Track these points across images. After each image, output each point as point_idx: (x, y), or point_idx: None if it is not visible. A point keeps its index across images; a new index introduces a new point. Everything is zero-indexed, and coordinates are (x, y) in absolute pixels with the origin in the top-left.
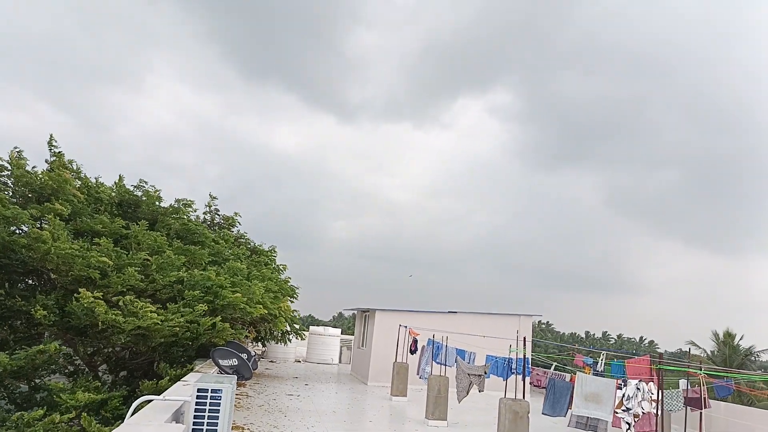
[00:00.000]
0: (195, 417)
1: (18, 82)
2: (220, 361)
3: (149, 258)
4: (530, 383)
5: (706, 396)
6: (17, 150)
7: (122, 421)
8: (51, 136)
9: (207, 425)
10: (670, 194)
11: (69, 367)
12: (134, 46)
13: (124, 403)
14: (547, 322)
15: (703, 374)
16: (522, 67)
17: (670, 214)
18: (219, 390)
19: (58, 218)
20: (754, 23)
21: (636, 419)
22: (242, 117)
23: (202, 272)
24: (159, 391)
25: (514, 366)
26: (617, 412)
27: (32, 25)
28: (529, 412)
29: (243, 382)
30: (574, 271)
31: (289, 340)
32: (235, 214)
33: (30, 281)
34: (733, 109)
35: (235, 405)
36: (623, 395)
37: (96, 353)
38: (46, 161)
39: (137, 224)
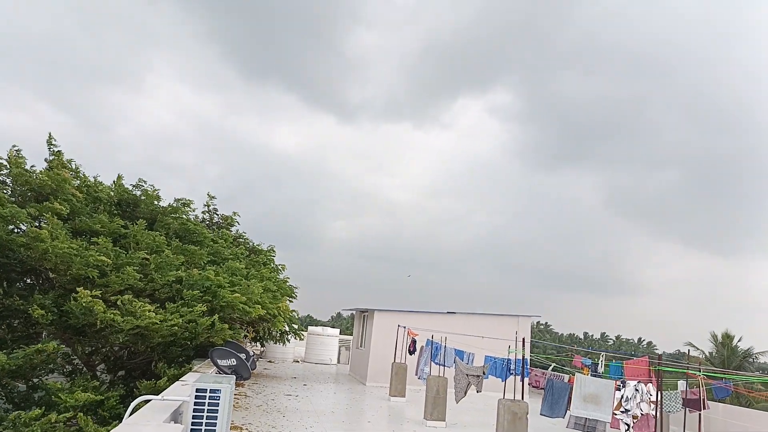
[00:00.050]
0: (193, 417)
1: (18, 82)
2: (219, 361)
3: (148, 257)
4: (529, 384)
5: (705, 397)
6: (16, 149)
7: (120, 421)
8: (50, 134)
9: (205, 425)
10: (670, 195)
11: (67, 366)
12: (134, 46)
13: (122, 402)
14: (546, 323)
15: (702, 376)
16: (522, 67)
17: (669, 215)
18: (217, 390)
19: (56, 217)
20: (754, 23)
21: (635, 420)
22: (242, 117)
23: (200, 272)
24: (157, 391)
25: (512, 367)
26: (616, 414)
27: (32, 25)
28: (527, 413)
29: (241, 382)
30: (573, 271)
31: (288, 341)
32: (234, 213)
33: (28, 280)
34: (733, 110)
35: (233, 405)
36: (622, 396)
37: (94, 353)
38: (46, 160)
39: (136, 224)
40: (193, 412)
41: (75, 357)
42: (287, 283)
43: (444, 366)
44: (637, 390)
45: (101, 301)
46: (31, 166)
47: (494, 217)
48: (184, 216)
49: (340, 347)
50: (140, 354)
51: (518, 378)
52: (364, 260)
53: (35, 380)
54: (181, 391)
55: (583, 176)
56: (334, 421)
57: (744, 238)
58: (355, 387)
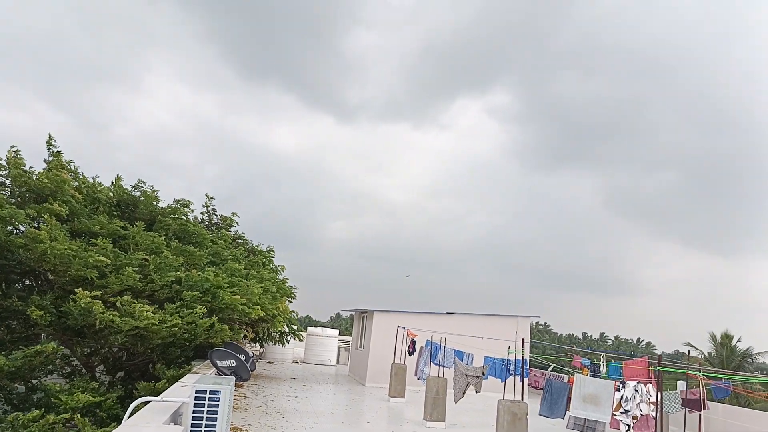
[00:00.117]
0: (193, 418)
1: (18, 82)
2: (218, 362)
3: (147, 258)
4: (528, 384)
5: (705, 398)
6: (15, 150)
7: (119, 423)
8: (50, 135)
9: (205, 427)
10: (669, 195)
11: (66, 367)
12: (134, 46)
13: (121, 404)
14: (545, 323)
15: (702, 376)
16: (521, 68)
17: (668, 215)
18: (217, 391)
19: (55, 219)
20: (753, 23)
21: (634, 421)
22: (241, 117)
23: (200, 273)
24: (156, 392)
25: (512, 367)
26: (615, 415)
27: (32, 25)
28: (527, 414)
29: (241, 383)
30: (573, 271)
31: (287, 341)
32: (233, 214)
33: (27, 282)
34: (732, 110)
35: (233, 406)
36: (621, 397)
37: (93, 354)
38: (45, 161)
39: (135, 225)
40: (193, 413)
41: (74, 358)
42: (286, 284)
43: (443, 367)
44: (636, 390)
45: (100, 302)
46: (30, 167)
47: (493, 217)
48: (183, 217)
49: (339, 348)
50: (139, 355)
51: (518, 378)
52: (364, 260)
53: (34, 381)
54: (180, 393)
55: (583, 176)
56: (334, 422)
57: (743, 238)
58: (354, 388)
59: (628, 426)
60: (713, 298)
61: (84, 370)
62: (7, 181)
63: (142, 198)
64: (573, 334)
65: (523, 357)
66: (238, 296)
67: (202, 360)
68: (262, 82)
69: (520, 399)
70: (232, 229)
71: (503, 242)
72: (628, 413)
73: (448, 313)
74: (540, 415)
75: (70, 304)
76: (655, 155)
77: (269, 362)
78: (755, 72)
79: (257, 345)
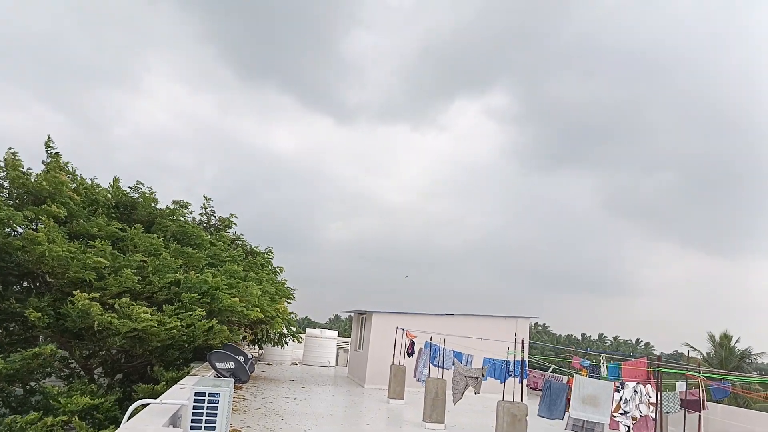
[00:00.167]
0: (192, 421)
1: (17, 82)
2: (217, 365)
3: (146, 260)
4: (527, 386)
5: (705, 398)
6: (12, 151)
7: (117, 425)
8: (48, 137)
9: (204, 429)
10: (668, 195)
11: (65, 370)
12: (133, 46)
13: (120, 406)
14: (544, 324)
15: (701, 377)
16: (520, 69)
17: (667, 216)
18: (216, 394)
19: (53, 220)
20: (751, 25)
21: (634, 422)
22: (240, 118)
23: (198, 275)
24: (155, 395)
25: (511, 369)
26: (615, 416)
27: (31, 26)
28: (527, 415)
29: (240, 385)
30: (571, 272)
31: (286, 343)
32: (231, 215)
33: (25, 284)
34: (730, 111)
35: (232, 408)
36: (621, 398)
37: (92, 356)
38: (43, 162)
39: (133, 227)
40: (192, 415)
41: (72, 360)
42: (285, 285)
43: (443, 368)
44: (636, 391)
45: (98, 303)
46: (28, 169)
47: (492, 218)
48: (181, 218)
49: (338, 349)
50: (138, 357)
51: (517, 380)
52: (363, 262)
53: (32, 384)
54: (179, 395)
55: (582, 177)
56: (333, 424)
57: (742, 238)
58: (353, 389)
59: (628, 427)
60: (712, 298)
61: (82, 372)
62: (5, 183)
63: (141, 199)
64: (572, 335)
65: (522, 358)
66: (237, 299)
67: (200, 362)
68: (261, 82)
69: (519, 400)
70: (231, 230)
71: (502, 243)
72: (628, 414)
73: (447, 314)
74: (539, 416)
75: (68, 306)
76: (653, 156)
77: (268, 364)
78: (752, 74)
79: (256, 347)
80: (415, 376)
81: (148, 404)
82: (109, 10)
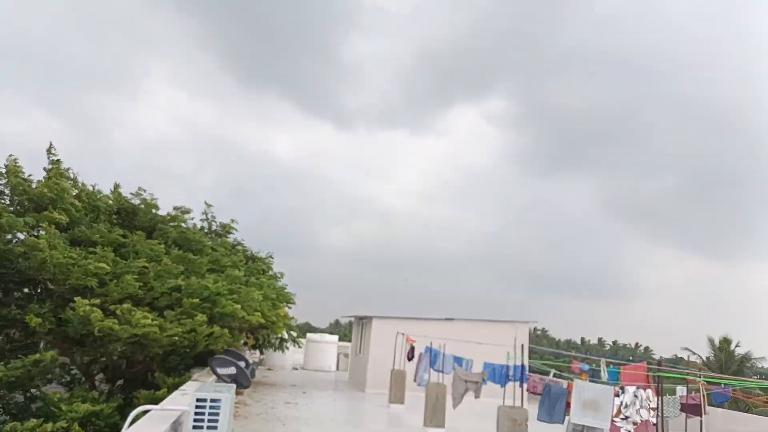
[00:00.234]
0: (194, 427)
1: (16, 88)
2: (218, 370)
3: (147, 266)
4: (527, 390)
5: (705, 403)
6: (13, 158)
7: None
8: (51, 144)
9: None
10: (667, 199)
11: (66, 376)
12: (132, 51)
13: (120, 412)
14: (543, 328)
15: (702, 381)
16: (517, 74)
17: (666, 219)
18: (218, 399)
19: (54, 227)
20: (747, 28)
21: (635, 427)
22: (239, 123)
23: (199, 281)
24: (156, 401)
25: (511, 373)
26: (615, 421)
27: (30, 31)
28: (527, 420)
29: (241, 390)
30: (570, 276)
31: (287, 348)
32: (232, 221)
33: (27, 290)
34: (729, 113)
35: (233, 414)
36: (621, 403)
37: (93, 362)
38: (45, 169)
39: (135, 233)
40: (194, 421)
41: (73, 367)
42: (285, 290)
43: (443, 373)
44: (636, 396)
45: (99, 309)
46: (29, 175)
47: (491, 221)
48: (182, 224)
49: (338, 354)
50: (139, 363)
51: (517, 384)
52: (362, 266)
53: (33, 391)
54: (180, 401)
55: (580, 182)
56: (334, 429)
57: (741, 241)
58: (354, 394)
59: None
60: (711, 301)
61: (83, 378)
62: (6, 190)
63: (142, 206)
64: (571, 339)
65: (522, 363)
66: (239, 305)
67: (202, 368)
68: (260, 88)
69: (520, 405)
70: (231, 235)
71: (501, 246)
72: (629, 419)
73: (447, 318)
74: (538, 420)
75: (69, 312)
76: (653, 158)
77: (269, 369)
78: (749, 77)
79: (257, 352)
80: (415, 381)
81: (149, 410)
82: (109, 15)
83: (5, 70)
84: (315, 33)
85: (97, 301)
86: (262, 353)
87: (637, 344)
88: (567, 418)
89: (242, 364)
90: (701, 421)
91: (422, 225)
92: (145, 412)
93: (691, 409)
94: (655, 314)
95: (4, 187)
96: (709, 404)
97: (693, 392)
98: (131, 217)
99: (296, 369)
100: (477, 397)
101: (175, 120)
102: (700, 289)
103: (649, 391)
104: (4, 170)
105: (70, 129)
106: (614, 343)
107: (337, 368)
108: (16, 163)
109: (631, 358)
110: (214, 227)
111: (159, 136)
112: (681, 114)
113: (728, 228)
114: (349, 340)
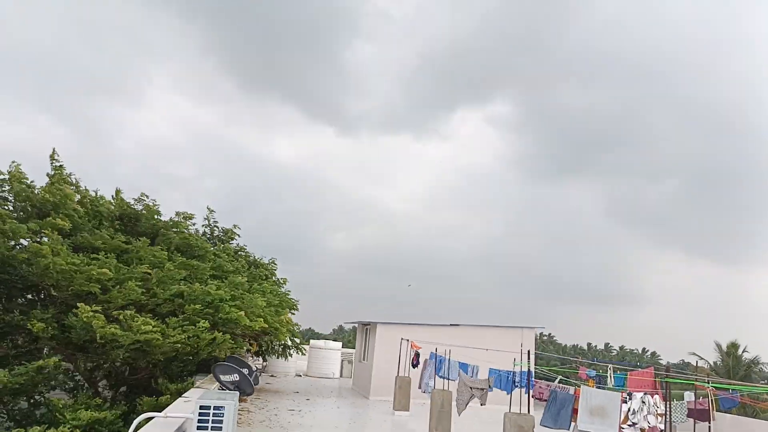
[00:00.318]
0: None
1: (17, 94)
2: (221, 377)
3: (149, 272)
4: (533, 396)
5: (714, 408)
6: (16, 164)
7: None
8: (54, 150)
9: None
10: (672, 203)
11: (69, 383)
12: (133, 57)
13: (123, 419)
14: (549, 334)
15: (710, 387)
16: (520, 78)
17: (672, 224)
18: (221, 407)
19: (57, 233)
20: (751, 32)
21: None
22: (241, 128)
23: (202, 286)
24: (159, 408)
25: (517, 379)
26: (623, 428)
27: (32, 37)
28: (534, 427)
29: (244, 397)
30: (576, 282)
31: (290, 355)
32: (234, 226)
33: (30, 296)
34: (733, 116)
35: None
36: (629, 409)
37: (96, 368)
38: (48, 175)
39: (138, 239)
40: (197, 429)
41: (77, 373)
42: (288, 296)
43: (448, 379)
44: (643, 402)
45: (102, 316)
46: (31, 181)
47: (496, 227)
48: (185, 230)
49: (342, 361)
50: (142, 370)
51: (523, 390)
52: (365, 272)
53: (37, 397)
54: (184, 408)
55: (584, 186)
56: None
57: (748, 245)
58: (358, 401)
59: None
60: (718, 306)
61: (87, 385)
62: (9, 196)
63: (144, 211)
64: (577, 345)
65: (529, 369)
66: (242, 312)
67: (204, 374)
68: (262, 93)
69: (526, 411)
70: (234, 241)
71: (506, 252)
72: (636, 426)
73: (452, 324)
74: (542, 425)
75: (71, 318)
76: (657, 163)
77: (272, 376)
78: (753, 80)
79: (260, 359)
80: (420, 388)
81: (152, 417)
82: (109, 20)
83: (8, 77)
84: (317, 37)
85: (100, 307)
86: (265, 360)
87: (644, 349)
88: (573, 424)
89: (245, 370)
90: (709, 427)
91: (426, 230)
92: (149, 419)
93: (700, 414)
94: (661, 319)
95: (8, 193)
96: (717, 410)
97: (701, 397)
98: (134, 223)
99: (299, 376)
100: (483, 403)
101: (177, 125)
102: (707, 294)
103: (656, 397)
104: (7, 176)
105: (72, 134)
106: (621, 348)
107: (341, 375)
108: (19, 169)
109: (638, 363)
110: (216, 233)
111: (161, 140)
112: (685, 116)
113: (735, 232)
114: (353, 347)
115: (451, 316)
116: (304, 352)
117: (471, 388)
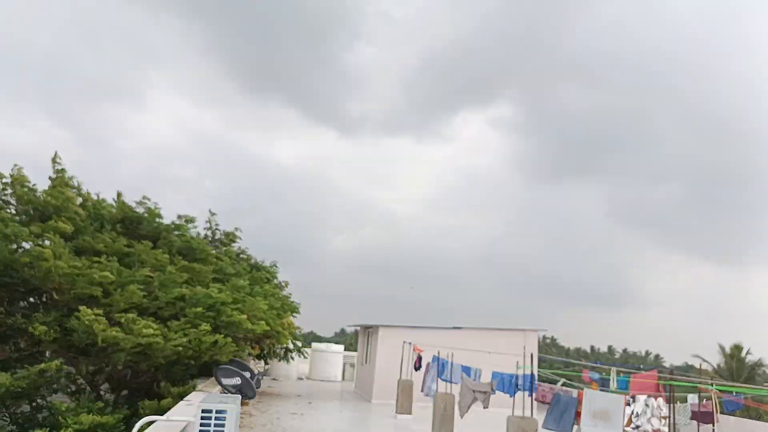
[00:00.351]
0: None
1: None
2: (223, 380)
3: (151, 275)
4: (536, 399)
5: (717, 411)
6: (18, 168)
7: None
8: (56, 153)
9: None
10: (675, 205)
11: (71, 386)
12: (135, 60)
13: (125, 423)
14: (552, 336)
15: (714, 389)
16: (523, 80)
17: (674, 226)
18: (223, 411)
19: (59, 236)
20: (751, 32)
21: None
22: (243, 131)
23: (204, 290)
24: (161, 411)
25: (520, 382)
26: (627, 431)
27: (33, 40)
28: (537, 430)
29: (246, 401)
30: (578, 284)
31: (292, 358)
32: (236, 229)
33: (32, 299)
34: (734, 120)
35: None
36: (632, 412)
37: (98, 372)
38: (50, 178)
39: (140, 242)
40: None
41: (79, 376)
42: (290, 299)
43: (451, 382)
44: (647, 405)
45: (104, 319)
46: (33, 185)
47: (498, 229)
48: (187, 233)
49: (344, 364)
50: (144, 373)
51: (526, 394)
52: (367, 274)
53: (39, 400)
54: (186, 411)
55: (587, 189)
56: None
57: (751, 247)
58: (360, 404)
59: None
60: (722, 309)
61: (89, 388)
62: (12, 200)
63: (146, 214)
64: (580, 348)
65: (532, 372)
66: (244, 315)
67: (206, 377)
68: (263, 95)
69: (529, 415)
70: (235, 244)
71: (508, 254)
72: (640, 428)
73: (454, 327)
74: (544, 428)
75: (73, 321)
76: (660, 165)
77: (274, 379)
78: (755, 82)
79: (262, 362)
80: (422, 391)
81: (154, 421)
82: (111, 23)
83: (9, 79)
84: (318, 39)
85: (102, 310)
86: (267, 363)
87: (647, 352)
88: (576, 427)
89: (247, 374)
90: (713, 430)
91: (427, 232)
92: (151, 422)
93: (703, 417)
94: (665, 322)
95: (10, 196)
96: (721, 412)
97: (705, 400)
98: (135, 226)
99: (301, 379)
100: (486, 407)
101: (178, 128)
102: (711, 296)
103: (660, 399)
104: (9, 180)
105: (74, 138)
106: (624, 351)
107: (343, 378)
108: (21, 172)
109: (641, 366)
110: (218, 236)
111: (162, 143)
112: (685, 116)
113: (738, 234)
114: (355, 350)
115: (455, 318)
116: (306, 355)
117: (474, 391)
